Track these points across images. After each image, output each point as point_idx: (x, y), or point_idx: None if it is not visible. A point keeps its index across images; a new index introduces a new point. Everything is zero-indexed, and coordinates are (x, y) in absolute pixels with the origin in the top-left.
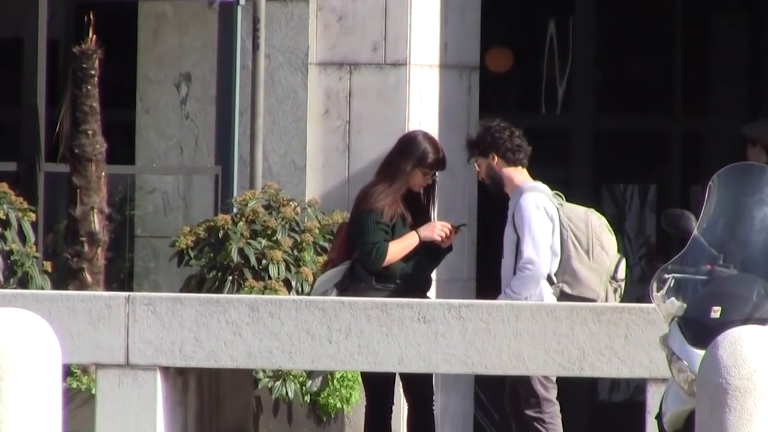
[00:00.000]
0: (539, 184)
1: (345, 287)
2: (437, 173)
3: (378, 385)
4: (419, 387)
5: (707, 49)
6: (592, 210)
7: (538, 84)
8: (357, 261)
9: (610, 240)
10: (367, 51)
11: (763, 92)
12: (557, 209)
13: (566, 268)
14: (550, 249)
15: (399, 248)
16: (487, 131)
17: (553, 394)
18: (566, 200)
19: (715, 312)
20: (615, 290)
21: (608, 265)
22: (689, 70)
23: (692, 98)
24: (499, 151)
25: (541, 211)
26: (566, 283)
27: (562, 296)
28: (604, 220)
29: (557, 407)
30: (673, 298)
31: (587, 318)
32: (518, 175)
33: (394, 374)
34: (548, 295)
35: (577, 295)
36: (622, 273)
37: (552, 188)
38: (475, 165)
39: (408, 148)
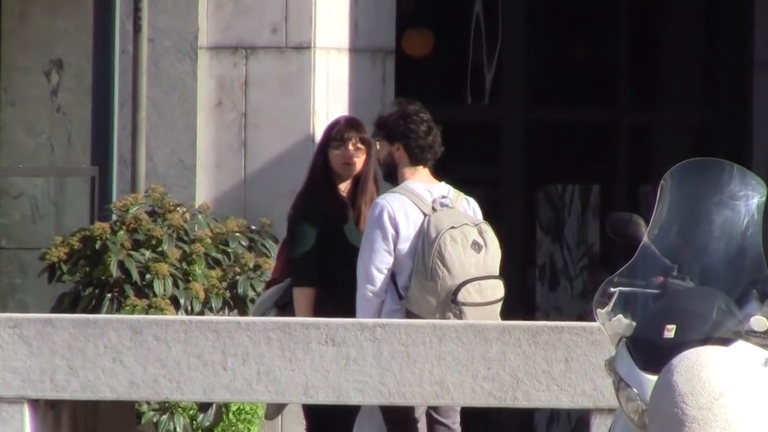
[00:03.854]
0: (413, 185)
1: (286, 303)
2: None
3: (320, 419)
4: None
5: (657, 31)
6: (469, 225)
7: (463, 71)
8: None
9: (468, 259)
10: (266, 33)
11: (720, 80)
12: (427, 215)
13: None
14: (386, 260)
15: None
16: (402, 118)
17: (419, 411)
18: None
19: (669, 331)
20: (455, 312)
21: (449, 285)
22: (636, 55)
23: (640, 87)
24: (408, 145)
25: (381, 218)
26: (408, 297)
27: (407, 313)
28: (488, 236)
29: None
30: (620, 316)
31: (521, 339)
32: (411, 174)
33: (342, 407)
34: (395, 312)
35: (416, 313)
36: (467, 296)
37: (468, 192)
38: (377, 144)
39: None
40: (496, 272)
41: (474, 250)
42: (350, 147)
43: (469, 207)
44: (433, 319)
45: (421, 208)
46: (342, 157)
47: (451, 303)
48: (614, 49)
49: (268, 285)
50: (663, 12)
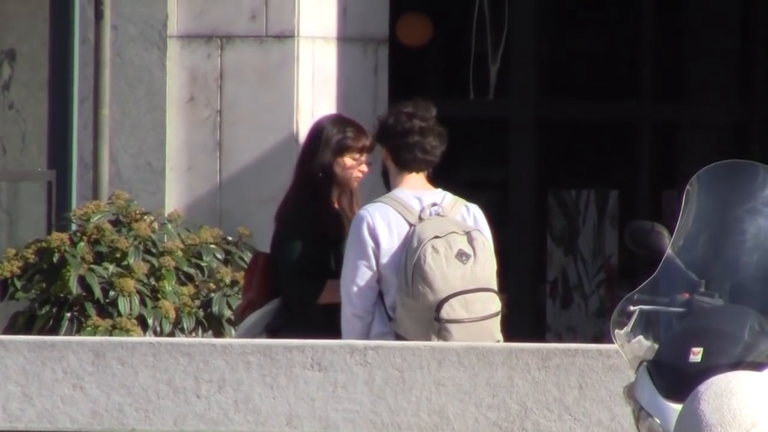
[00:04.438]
0: (401, 194)
1: (278, 327)
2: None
3: None
4: None
5: (683, 18)
6: (457, 233)
7: (465, 62)
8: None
9: (452, 271)
10: (244, 20)
11: (753, 73)
12: (413, 226)
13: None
14: (366, 276)
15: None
16: (390, 117)
17: None
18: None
19: (696, 354)
20: (439, 331)
21: (431, 301)
22: (660, 44)
23: (664, 79)
24: (391, 146)
25: (359, 230)
26: (395, 319)
27: (396, 337)
28: (478, 243)
29: None
30: (640, 337)
31: (530, 363)
32: (400, 181)
33: None
34: (384, 335)
35: (403, 335)
36: (451, 312)
37: (470, 197)
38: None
39: (317, 138)
40: (489, 284)
41: (459, 261)
42: (365, 158)
43: (468, 215)
44: (418, 341)
45: (407, 218)
46: (356, 169)
47: (434, 321)
48: (636, 38)
49: (246, 307)
50: None
